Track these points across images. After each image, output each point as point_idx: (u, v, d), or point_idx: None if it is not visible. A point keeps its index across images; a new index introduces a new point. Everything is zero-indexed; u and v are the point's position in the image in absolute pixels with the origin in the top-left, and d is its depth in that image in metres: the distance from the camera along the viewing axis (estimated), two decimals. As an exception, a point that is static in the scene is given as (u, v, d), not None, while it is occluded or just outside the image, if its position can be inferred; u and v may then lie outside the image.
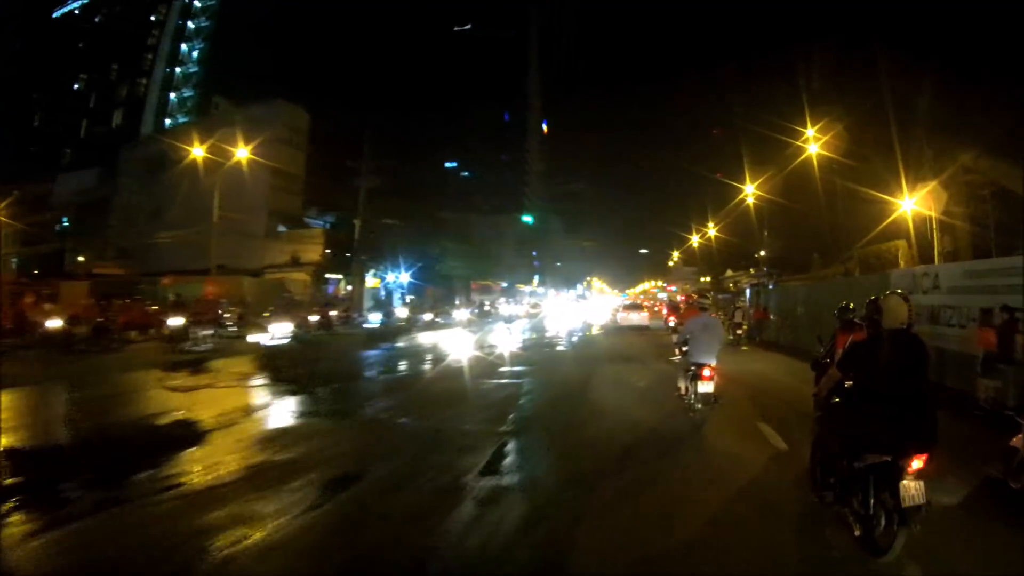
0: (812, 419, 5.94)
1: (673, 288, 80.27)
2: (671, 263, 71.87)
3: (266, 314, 20.60)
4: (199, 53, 52.93)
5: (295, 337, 18.13)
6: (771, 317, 19.76)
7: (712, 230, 41.19)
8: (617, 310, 32.59)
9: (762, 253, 32.75)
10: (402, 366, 14.36)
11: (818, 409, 6.41)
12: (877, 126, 17.82)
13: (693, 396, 7.46)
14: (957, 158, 15.91)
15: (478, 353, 15.57)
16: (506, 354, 15.49)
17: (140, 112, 50.60)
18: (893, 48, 18.10)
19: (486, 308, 40.46)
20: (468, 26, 73.99)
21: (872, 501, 3.61)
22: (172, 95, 52.24)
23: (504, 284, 63.59)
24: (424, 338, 21.31)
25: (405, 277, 36.96)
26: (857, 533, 3.72)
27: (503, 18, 72.20)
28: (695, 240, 48.89)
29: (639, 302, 35.88)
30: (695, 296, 17.15)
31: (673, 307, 28.89)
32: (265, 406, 8.98)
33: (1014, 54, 14.09)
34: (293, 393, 9.72)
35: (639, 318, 27.36)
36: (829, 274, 23.51)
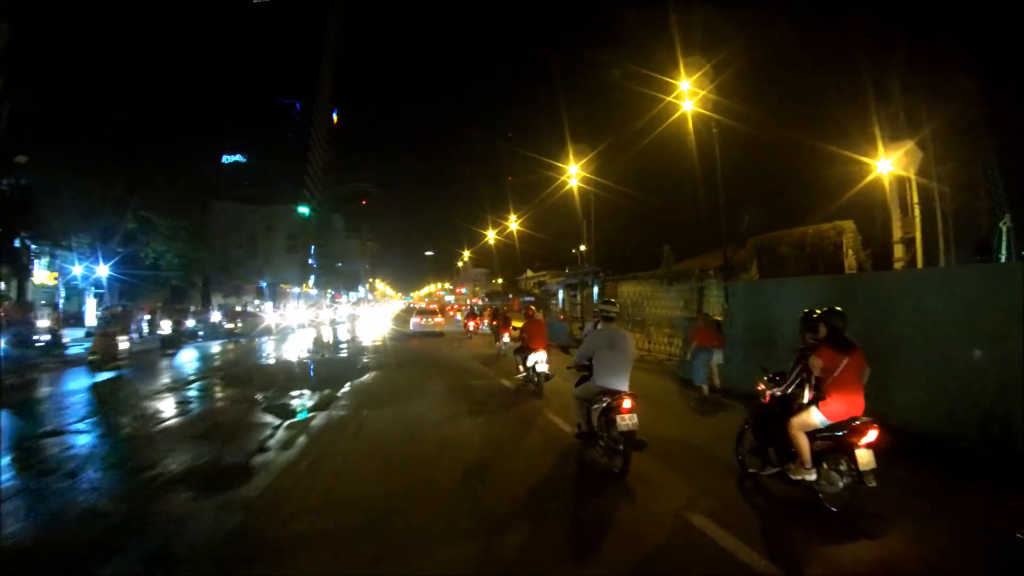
0: None
1: (463, 291, 76.98)
2: (461, 264, 68.46)
3: None
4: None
5: None
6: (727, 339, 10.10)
7: (514, 224, 37.65)
8: (409, 315, 32.33)
9: (583, 248, 29.45)
10: None
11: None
12: (799, 75, 13.89)
13: (606, 438, 5.39)
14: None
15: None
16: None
17: None
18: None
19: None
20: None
21: None
22: None
23: (263, 284, 52.16)
24: None
25: (103, 270, 24.65)
26: None
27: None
28: (491, 237, 45.28)
29: (432, 307, 34.15)
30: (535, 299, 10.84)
31: (472, 314, 29.86)
32: None
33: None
34: None
35: (434, 323, 27.94)
36: (685, 269, 17.80)
